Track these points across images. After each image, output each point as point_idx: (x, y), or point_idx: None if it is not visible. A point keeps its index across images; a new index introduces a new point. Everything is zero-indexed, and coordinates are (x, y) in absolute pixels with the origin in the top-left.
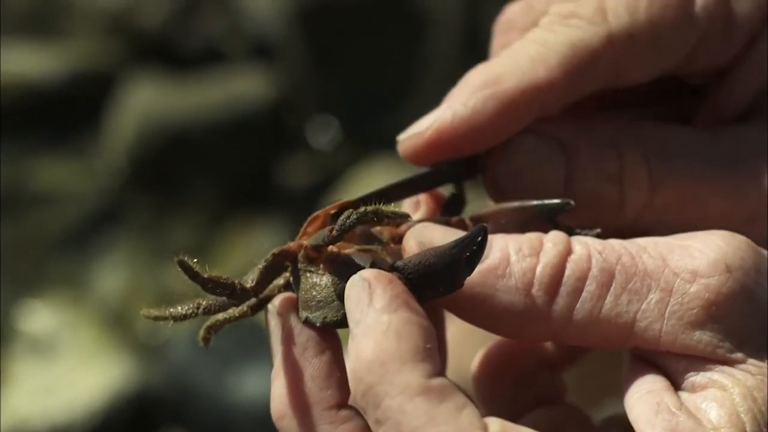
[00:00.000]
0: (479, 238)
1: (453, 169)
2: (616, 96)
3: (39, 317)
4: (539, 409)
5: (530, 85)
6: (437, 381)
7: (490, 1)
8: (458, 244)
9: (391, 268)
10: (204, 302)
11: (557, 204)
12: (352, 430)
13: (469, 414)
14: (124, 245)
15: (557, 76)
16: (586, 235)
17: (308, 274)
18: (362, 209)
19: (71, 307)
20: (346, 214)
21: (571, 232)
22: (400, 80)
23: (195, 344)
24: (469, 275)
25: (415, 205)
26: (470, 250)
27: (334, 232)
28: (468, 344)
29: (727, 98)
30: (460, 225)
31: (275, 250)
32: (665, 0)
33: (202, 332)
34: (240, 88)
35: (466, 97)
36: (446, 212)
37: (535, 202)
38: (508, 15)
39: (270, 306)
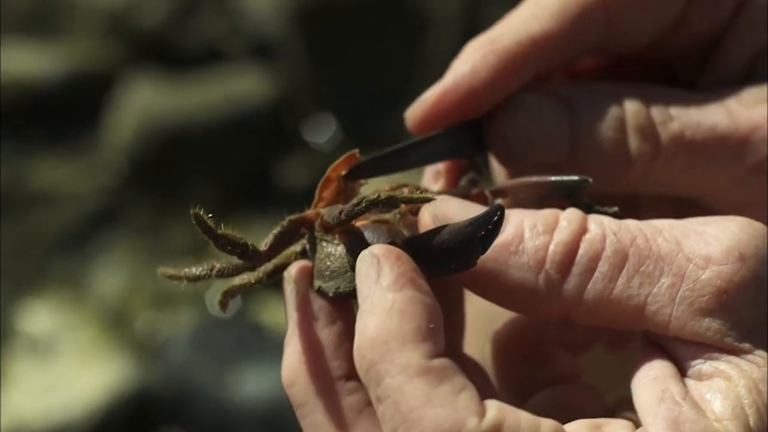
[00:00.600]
0: (495, 218)
1: (461, 134)
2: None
3: (38, 317)
4: (553, 387)
5: (526, 37)
6: (437, 362)
7: (490, 1)
8: (473, 222)
9: (405, 243)
10: (218, 265)
11: (575, 181)
12: (358, 402)
13: (467, 397)
14: (123, 245)
15: (551, 28)
16: (604, 212)
17: (324, 243)
18: (375, 195)
19: (70, 307)
20: (357, 199)
21: (589, 209)
22: (400, 80)
23: (194, 344)
24: (483, 254)
25: (435, 176)
26: (485, 229)
27: (343, 216)
28: (481, 322)
29: (722, 64)
30: (480, 198)
31: (292, 217)
32: None
33: (219, 296)
34: (239, 87)
35: (466, 58)
36: (465, 182)
37: (553, 178)
38: None
39: (286, 273)
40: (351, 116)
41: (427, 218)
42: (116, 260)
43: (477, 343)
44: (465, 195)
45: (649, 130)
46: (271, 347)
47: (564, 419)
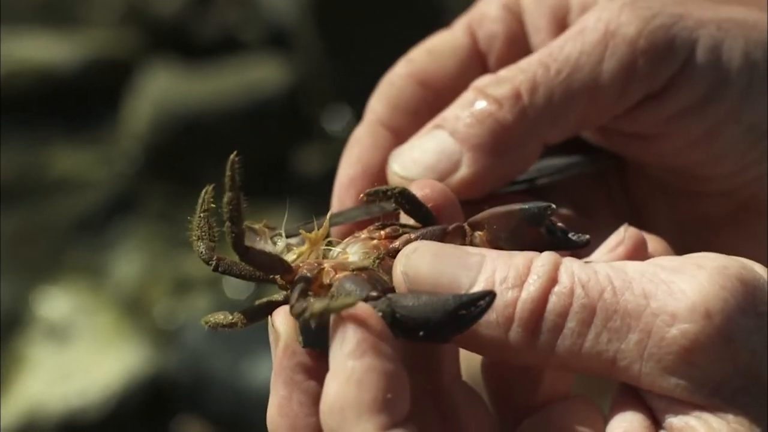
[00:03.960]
0: (482, 303)
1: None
2: None
3: (56, 303)
4: (548, 407)
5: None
6: None
7: None
8: (457, 300)
9: (382, 303)
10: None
11: (539, 208)
12: None
13: None
14: (139, 232)
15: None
16: (577, 238)
17: (306, 298)
18: (308, 314)
19: (88, 293)
20: (298, 307)
21: (564, 235)
22: None
23: (210, 330)
24: (460, 334)
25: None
26: (467, 310)
27: (292, 310)
28: None
29: None
30: (458, 232)
31: (263, 301)
32: None
33: (205, 320)
34: (255, 76)
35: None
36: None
37: (517, 207)
38: None
39: (270, 319)
40: (366, 103)
41: (399, 275)
42: (133, 247)
43: (471, 369)
44: (444, 231)
45: (500, 77)
46: None
47: None
